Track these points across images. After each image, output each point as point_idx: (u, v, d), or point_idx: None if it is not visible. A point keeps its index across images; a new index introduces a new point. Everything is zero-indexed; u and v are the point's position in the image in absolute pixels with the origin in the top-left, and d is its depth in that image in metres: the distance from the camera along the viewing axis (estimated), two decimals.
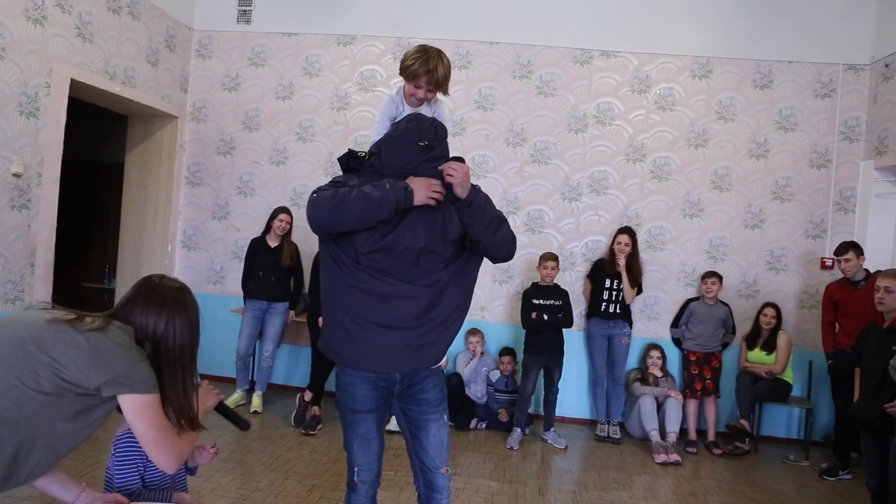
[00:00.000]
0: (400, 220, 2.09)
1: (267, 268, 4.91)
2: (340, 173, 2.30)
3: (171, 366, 1.61)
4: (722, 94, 5.25)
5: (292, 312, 5.06)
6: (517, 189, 5.42)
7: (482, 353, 5.13)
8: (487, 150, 5.46)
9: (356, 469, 2.28)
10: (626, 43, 5.34)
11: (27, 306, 1.65)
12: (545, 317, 4.66)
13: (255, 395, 4.98)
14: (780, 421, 5.20)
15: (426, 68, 2.22)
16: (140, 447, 1.73)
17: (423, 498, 2.33)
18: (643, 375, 5.02)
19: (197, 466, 2.05)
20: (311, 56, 5.63)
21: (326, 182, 2.23)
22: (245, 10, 5.73)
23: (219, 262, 5.78)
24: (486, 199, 2.14)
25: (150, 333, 1.61)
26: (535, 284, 4.87)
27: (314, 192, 2.10)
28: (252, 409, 4.88)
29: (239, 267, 5.31)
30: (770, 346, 4.88)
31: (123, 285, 5.83)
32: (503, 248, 2.18)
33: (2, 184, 3.98)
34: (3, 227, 4.01)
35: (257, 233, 5.16)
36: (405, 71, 2.27)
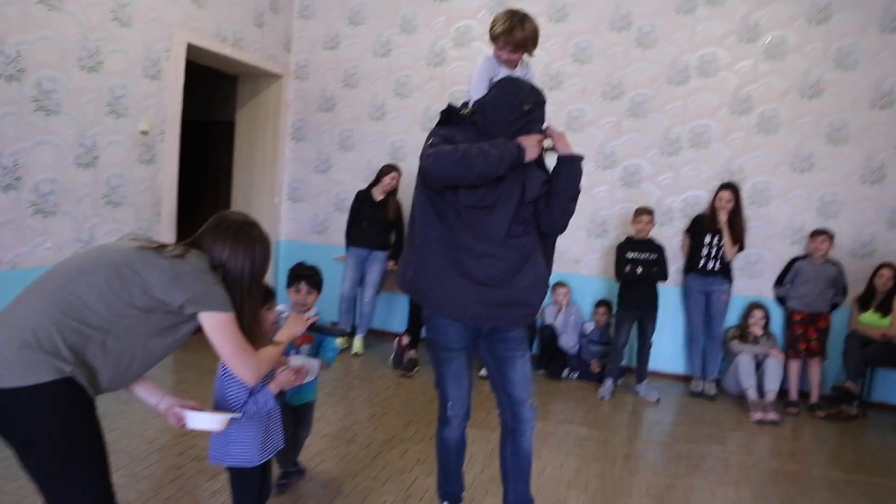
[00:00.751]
0: (501, 181, 2.20)
1: (370, 220, 5.13)
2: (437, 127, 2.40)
3: (235, 290, 1.77)
4: (842, 41, 4.87)
5: (391, 262, 5.26)
6: (614, 143, 5.33)
7: (568, 305, 5.17)
8: (584, 104, 5.38)
9: (449, 403, 2.45)
10: None
11: (119, 238, 1.85)
12: (639, 270, 4.62)
13: (356, 338, 5.28)
14: (894, 387, 4.93)
15: (507, 32, 2.32)
16: None
17: (509, 429, 2.46)
18: (743, 333, 4.89)
19: (285, 392, 2.22)
20: (407, 13, 5.71)
21: (426, 136, 2.34)
22: None
23: (322, 214, 6.09)
24: (582, 170, 2.35)
25: (219, 261, 1.78)
26: (629, 238, 4.82)
27: (429, 145, 2.23)
28: (353, 352, 5.19)
29: (341, 218, 5.58)
30: (886, 309, 4.60)
31: None
32: (566, 218, 2.34)
33: (131, 141, 4.37)
34: (133, 180, 4.42)
35: (358, 186, 5.38)
36: (490, 34, 2.39)
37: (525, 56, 2.44)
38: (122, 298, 1.59)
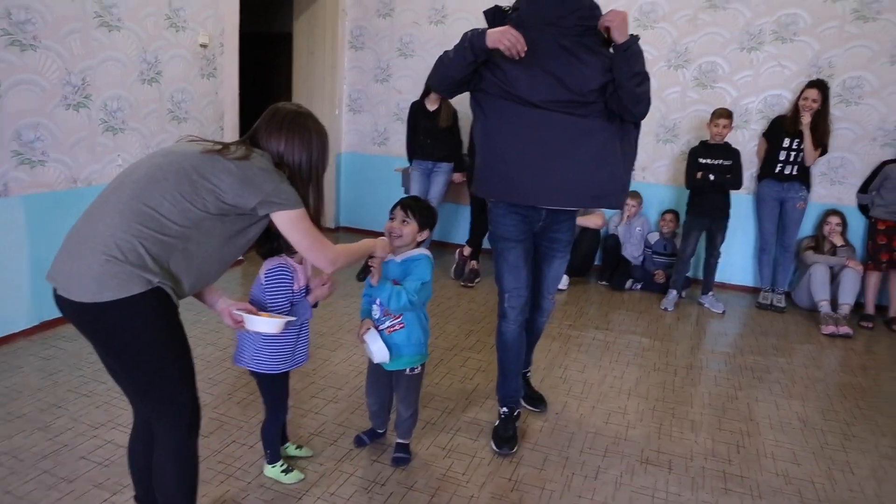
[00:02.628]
0: (523, 72, 2.25)
1: (427, 131, 5.04)
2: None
3: (296, 183, 1.76)
4: None
5: (458, 175, 5.18)
6: (688, 39, 4.95)
7: (635, 215, 5.02)
8: None
9: (506, 296, 2.58)
10: None
11: (177, 140, 1.85)
12: (711, 177, 4.40)
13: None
14: None
15: None
16: (290, 279, 2.00)
17: (529, 318, 2.68)
18: (818, 243, 4.66)
19: (317, 302, 2.18)
20: None
21: None
22: None
23: (382, 125, 6.04)
24: (641, 51, 2.28)
25: (276, 154, 1.78)
26: (703, 143, 4.57)
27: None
28: None
29: (401, 129, 5.51)
30: None
31: None
32: (641, 103, 2.32)
33: (192, 54, 4.38)
34: (196, 94, 4.47)
35: (419, 94, 5.27)
36: None
37: None
38: (196, 205, 1.61)
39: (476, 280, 4.90)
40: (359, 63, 6.04)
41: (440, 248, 5.76)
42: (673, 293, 4.63)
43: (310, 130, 1.82)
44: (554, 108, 2.28)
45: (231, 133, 4.82)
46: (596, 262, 5.28)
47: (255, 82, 7.79)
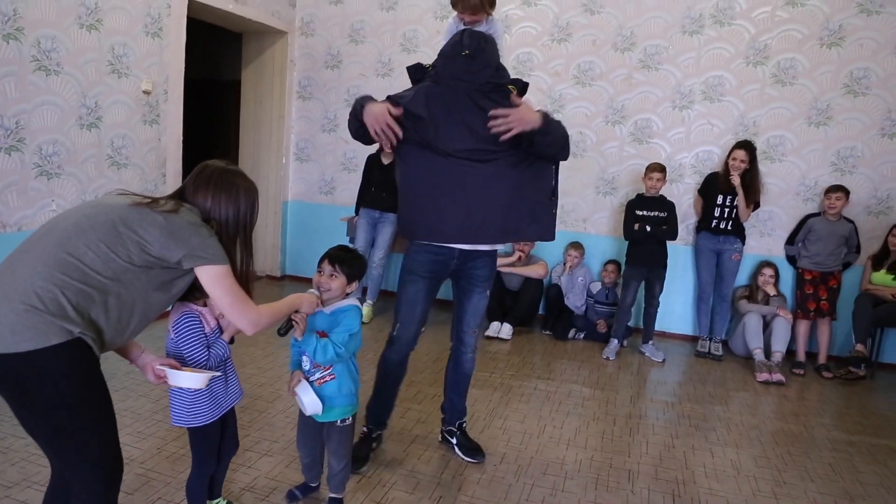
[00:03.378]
0: (438, 123, 2.41)
1: (378, 184, 5.07)
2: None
3: (222, 240, 1.77)
4: None
5: None
6: (624, 97, 5.19)
7: (577, 265, 5.12)
8: (594, 56, 5.22)
9: (398, 325, 2.75)
10: None
11: (106, 192, 1.83)
12: (648, 228, 4.55)
13: (365, 305, 5.28)
14: None
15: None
16: (198, 325, 1.94)
17: (454, 350, 2.90)
18: (751, 293, 4.83)
19: (233, 337, 2.10)
20: None
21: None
22: None
23: (329, 174, 6.06)
24: (555, 120, 2.45)
25: (204, 211, 1.78)
26: (639, 195, 4.74)
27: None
28: (363, 320, 5.19)
29: (348, 178, 5.53)
30: None
31: None
32: (565, 150, 2.54)
33: (134, 101, 4.35)
34: (138, 141, 4.41)
35: (366, 147, 5.31)
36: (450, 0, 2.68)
37: (491, 14, 2.67)
38: (121, 257, 1.60)
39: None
40: (306, 113, 6.09)
41: (387, 297, 5.72)
42: (614, 342, 4.70)
43: (237, 187, 1.83)
44: (466, 157, 2.44)
45: (174, 179, 4.75)
46: (540, 312, 5.33)
47: (204, 129, 7.75)
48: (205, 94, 7.60)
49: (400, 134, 2.40)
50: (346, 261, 2.20)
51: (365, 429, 2.87)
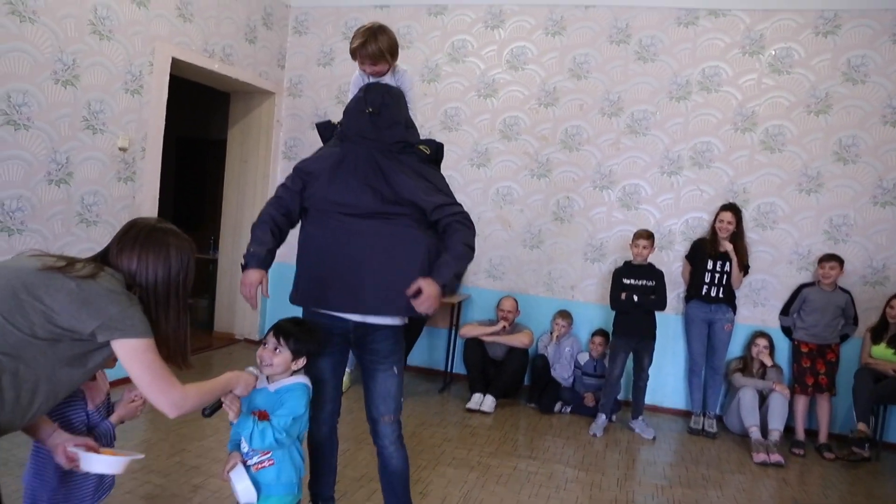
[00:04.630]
0: (339, 181, 2.29)
1: None
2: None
3: (148, 306, 1.59)
4: (851, 53, 4.62)
5: None
6: (612, 162, 5.10)
7: (565, 335, 4.92)
8: (581, 120, 5.17)
9: (319, 404, 2.44)
10: None
11: (18, 253, 1.65)
12: (635, 298, 4.37)
13: (346, 373, 5.02)
14: None
15: (361, 46, 2.38)
16: (79, 405, 1.76)
17: (376, 445, 2.44)
18: (746, 365, 4.60)
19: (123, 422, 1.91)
20: (402, 28, 5.56)
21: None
22: None
23: None
24: (456, 264, 2.25)
25: (129, 274, 1.60)
26: (627, 263, 4.57)
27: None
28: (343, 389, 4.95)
29: None
30: None
31: (225, 256, 6.13)
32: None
33: (109, 157, 4.24)
34: (111, 198, 4.28)
35: None
36: (350, 50, 2.45)
37: (398, 65, 2.52)
38: (20, 328, 1.40)
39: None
40: None
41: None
42: (602, 417, 4.44)
43: (167, 246, 1.65)
44: (364, 216, 2.27)
45: None
46: (525, 383, 5.09)
47: (192, 188, 7.68)
48: (194, 153, 7.57)
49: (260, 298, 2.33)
50: (294, 335, 2.02)
51: None
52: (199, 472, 3.15)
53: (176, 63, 4.70)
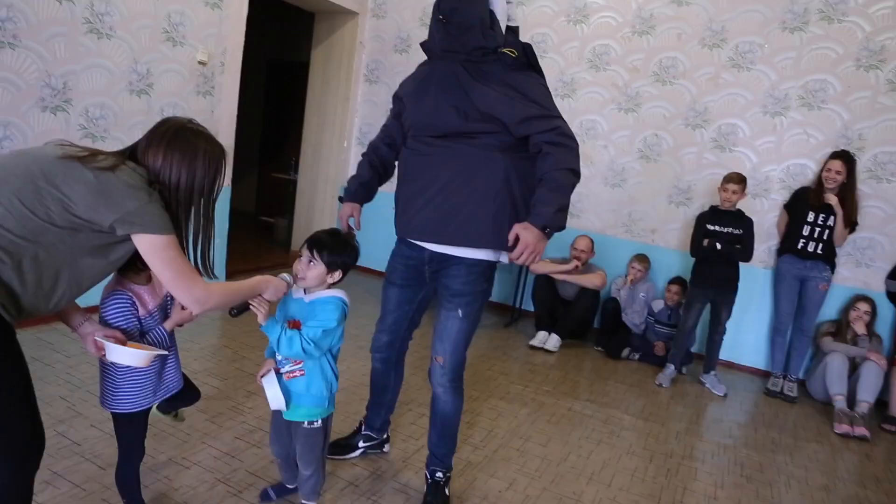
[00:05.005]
0: (413, 104, 2.21)
1: None
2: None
3: (170, 206, 1.55)
4: None
5: None
6: (708, 98, 4.65)
7: (640, 280, 4.66)
8: (678, 51, 4.72)
9: (375, 334, 2.51)
10: None
11: (46, 142, 1.62)
12: (718, 245, 4.03)
13: None
14: None
15: None
16: (127, 308, 1.75)
17: (429, 381, 2.37)
18: (839, 330, 4.20)
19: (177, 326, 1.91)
20: None
21: None
22: None
23: None
24: (555, 205, 1.99)
25: (153, 171, 1.55)
26: (713, 208, 4.21)
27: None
28: None
29: None
30: None
31: (304, 178, 6.19)
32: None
33: (189, 70, 4.29)
34: (189, 111, 4.35)
35: None
36: None
37: None
38: (38, 215, 1.39)
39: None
40: (372, 97, 5.91)
41: None
42: (671, 368, 4.21)
43: (195, 148, 1.59)
44: (448, 137, 2.11)
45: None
46: (594, 326, 4.90)
47: (278, 109, 7.78)
48: (283, 76, 7.63)
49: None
50: (328, 246, 1.93)
51: (367, 431, 2.68)
52: (255, 380, 3.23)
53: None
